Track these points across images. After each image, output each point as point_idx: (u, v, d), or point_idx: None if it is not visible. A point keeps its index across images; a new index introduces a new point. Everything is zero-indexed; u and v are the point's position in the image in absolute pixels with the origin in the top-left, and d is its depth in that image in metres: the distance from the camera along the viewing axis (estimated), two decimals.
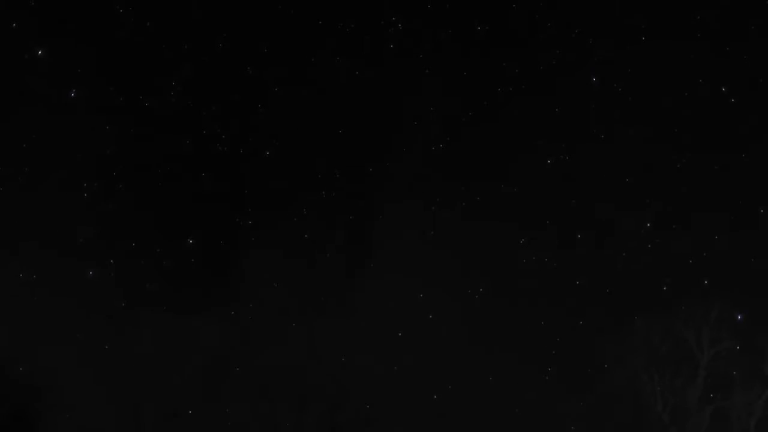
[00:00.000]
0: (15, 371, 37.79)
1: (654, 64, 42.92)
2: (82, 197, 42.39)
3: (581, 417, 40.18)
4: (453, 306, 42.76)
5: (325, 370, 40.00)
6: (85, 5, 41.82)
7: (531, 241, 43.50)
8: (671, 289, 40.75)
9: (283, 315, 40.84)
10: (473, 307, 43.14)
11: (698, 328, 39.17)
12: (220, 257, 43.15)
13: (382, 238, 43.12)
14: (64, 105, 41.97)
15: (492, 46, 43.08)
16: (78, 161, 42.28)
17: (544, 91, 43.25)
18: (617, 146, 43.05)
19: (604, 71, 43.08)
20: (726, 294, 39.03)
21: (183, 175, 43.00)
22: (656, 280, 41.79)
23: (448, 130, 43.55)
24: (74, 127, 42.01)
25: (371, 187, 43.76)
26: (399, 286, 42.48)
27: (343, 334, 40.98)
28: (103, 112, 42.33)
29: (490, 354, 40.64)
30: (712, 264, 40.56)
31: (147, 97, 42.79)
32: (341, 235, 43.82)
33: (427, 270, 42.53)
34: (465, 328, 41.97)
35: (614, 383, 39.80)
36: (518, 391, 40.49)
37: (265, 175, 43.36)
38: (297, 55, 43.34)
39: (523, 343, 41.09)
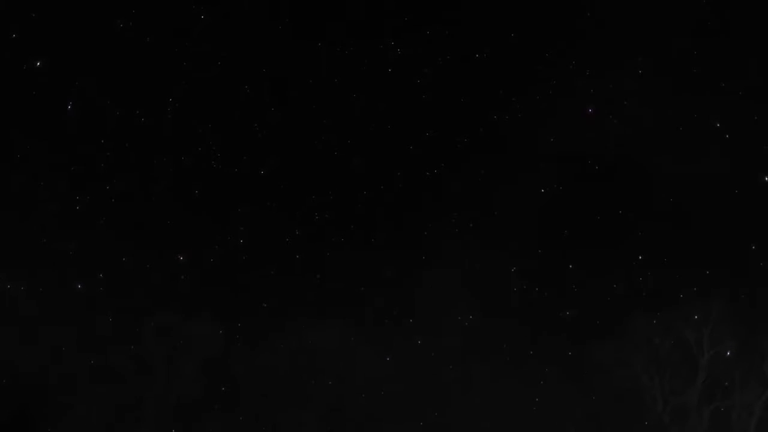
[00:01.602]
0: (15, 371, 37.66)
1: (650, 97, 43.23)
2: (74, 210, 42.49)
3: (581, 417, 40.10)
4: (443, 332, 42.84)
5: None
6: (85, 19, 41.98)
7: (522, 270, 43.53)
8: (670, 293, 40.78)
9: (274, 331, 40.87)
10: (463, 333, 43.08)
11: (698, 328, 39.20)
12: (210, 275, 43.01)
13: (373, 262, 43.10)
14: (61, 117, 42.19)
15: (489, 73, 43.37)
16: (72, 173, 42.43)
17: (540, 121, 43.47)
18: (611, 177, 43.31)
19: (600, 102, 43.42)
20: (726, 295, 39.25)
21: (176, 191, 43.00)
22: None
23: (443, 155, 43.76)
24: (70, 139, 42.17)
25: (364, 211, 43.83)
26: (389, 310, 42.63)
27: (333, 357, 41.11)
28: (100, 126, 42.55)
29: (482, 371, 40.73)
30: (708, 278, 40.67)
31: (144, 112, 42.96)
32: (333, 258, 43.75)
33: (418, 294, 42.64)
34: (455, 354, 42.05)
35: (614, 383, 39.74)
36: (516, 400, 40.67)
37: (258, 193, 43.41)
38: (295, 76, 43.61)
39: (516, 357, 41.23)
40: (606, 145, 43.25)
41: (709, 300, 39.22)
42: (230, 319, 41.84)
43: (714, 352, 39.22)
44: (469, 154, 43.73)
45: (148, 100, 42.69)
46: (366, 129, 43.51)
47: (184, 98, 42.96)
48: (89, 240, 41.65)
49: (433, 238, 43.74)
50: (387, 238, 43.44)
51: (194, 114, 43.01)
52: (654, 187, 43.08)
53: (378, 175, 43.49)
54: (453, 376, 41.30)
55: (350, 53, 43.49)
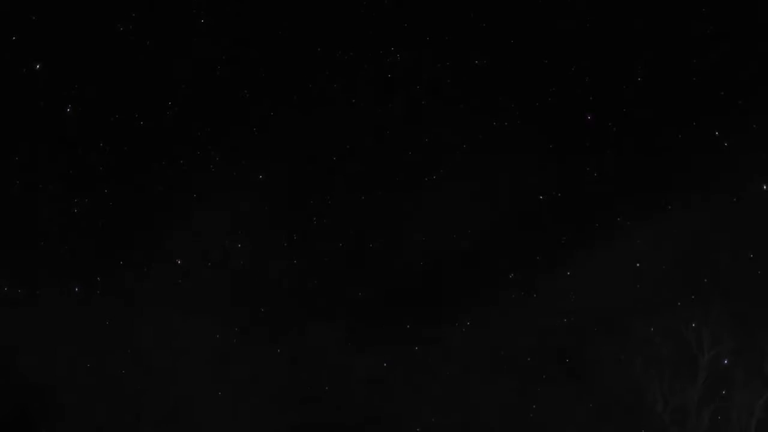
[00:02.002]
0: (15, 371, 37.58)
1: (649, 105, 43.28)
2: (72, 213, 42.42)
3: (581, 418, 39.99)
4: (440, 339, 42.75)
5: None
6: (86, 21, 41.98)
7: (520, 277, 43.44)
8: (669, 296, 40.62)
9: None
10: (459, 339, 42.97)
11: (698, 328, 39.14)
12: (207, 279, 42.84)
13: (369, 268, 43.06)
14: (60, 119, 42.12)
15: (489, 79, 43.31)
16: (70, 176, 42.33)
17: (539, 127, 43.42)
18: (609, 185, 43.26)
19: (600, 110, 43.41)
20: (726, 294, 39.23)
21: (174, 195, 42.93)
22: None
23: (442, 161, 43.68)
24: (68, 142, 42.11)
25: (362, 216, 43.69)
26: (386, 316, 42.51)
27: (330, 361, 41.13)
28: (98, 129, 42.49)
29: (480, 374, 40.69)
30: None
31: (142, 115, 42.92)
32: (330, 264, 43.67)
33: (416, 299, 42.58)
34: (452, 359, 41.96)
35: (614, 383, 39.68)
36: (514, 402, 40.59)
37: (257, 198, 43.27)
38: (294, 80, 43.57)
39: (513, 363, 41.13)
40: (605, 152, 43.40)
41: (708, 300, 39.21)
42: (227, 324, 41.88)
43: (714, 352, 39.22)
44: (467, 160, 43.70)
45: (147, 103, 42.71)
46: (364, 134, 43.47)
47: (183, 102, 43.03)
48: (87, 243, 41.72)
49: (430, 244, 43.76)
50: (384, 244, 43.34)
51: (193, 118, 43.07)
52: (652, 194, 43.15)
53: (376, 180, 43.41)
54: (450, 381, 41.27)
55: (350, 58, 43.54)
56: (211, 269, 42.92)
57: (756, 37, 42.41)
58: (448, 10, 43.06)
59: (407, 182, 43.57)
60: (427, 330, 42.60)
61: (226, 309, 41.57)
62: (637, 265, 42.73)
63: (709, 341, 39.10)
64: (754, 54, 42.28)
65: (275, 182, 43.33)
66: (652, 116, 43.13)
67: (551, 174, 43.41)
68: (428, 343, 42.39)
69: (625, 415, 39.58)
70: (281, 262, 43.09)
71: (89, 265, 41.72)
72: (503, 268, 43.36)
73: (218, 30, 43.01)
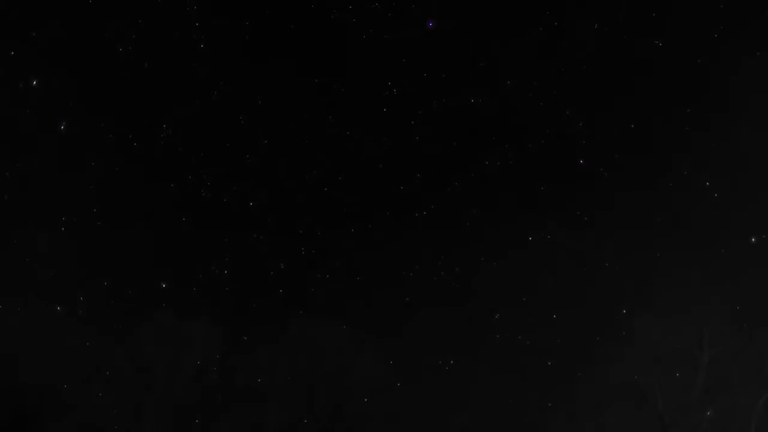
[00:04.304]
0: (15, 372, 37.14)
1: (641, 152, 43.62)
2: (60, 231, 42.18)
3: (581, 417, 39.61)
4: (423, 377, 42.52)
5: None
6: (86, 40, 42.25)
7: (506, 317, 43.35)
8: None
9: None
10: (442, 377, 42.78)
11: (698, 328, 38.88)
12: (192, 303, 42.62)
13: (356, 303, 42.91)
14: (52, 136, 42.12)
15: (483, 118, 43.62)
16: (59, 194, 42.16)
17: (531, 169, 43.74)
18: (598, 228, 43.32)
19: (590, 154, 43.75)
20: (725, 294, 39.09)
21: (163, 217, 42.86)
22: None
23: (433, 197, 43.83)
24: (59, 159, 42.04)
25: (351, 248, 43.69)
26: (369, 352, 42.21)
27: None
28: (91, 148, 42.49)
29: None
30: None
31: (136, 136, 43.03)
32: (318, 296, 43.48)
33: (401, 338, 42.36)
34: (434, 396, 41.70)
35: (614, 383, 39.24)
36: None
37: (245, 225, 43.32)
38: (290, 110, 43.82)
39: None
40: (596, 195, 43.61)
41: (708, 300, 39.12)
42: (209, 350, 41.43)
43: (714, 352, 38.90)
44: (458, 197, 43.88)
45: (142, 125, 42.85)
46: (357, 167, 43.64)
47: (177, 125, 43.15)
48: (73, 263, 41.40)
49: (418, 280, 43.75)
50: (372, 278, 43.26)
51: (187, 142, 43.19)
52: (641, 242, 43.26)
53: (366, 213, 43.52)
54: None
55: (346, 91, 43.82)
56: (196, 294, 42.89)
57: (749, 92, 42.91)
58: (444, 47, 43.54)
59: (398, 216, 43.81)
60: (410, 368, 42.47)
61: (210, 333, 41.13)
62: (624, 311, 42.76)
63: (709, 341, 38.89)
64: (746, 106, 42.76)
65: (265, 210, 43.57)
66: (643, 163, 43.55)
67: (541, 215, 43.63)
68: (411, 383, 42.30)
69: (625, 414, 39.17)
70: (267, 290, 43.13)
71: (74, 284, 41.38)
72: (488, 307, 43.37)
73: (217, 56, 43.37)
